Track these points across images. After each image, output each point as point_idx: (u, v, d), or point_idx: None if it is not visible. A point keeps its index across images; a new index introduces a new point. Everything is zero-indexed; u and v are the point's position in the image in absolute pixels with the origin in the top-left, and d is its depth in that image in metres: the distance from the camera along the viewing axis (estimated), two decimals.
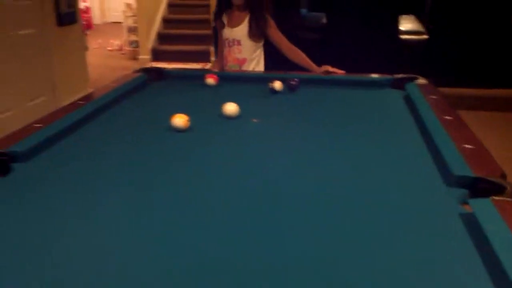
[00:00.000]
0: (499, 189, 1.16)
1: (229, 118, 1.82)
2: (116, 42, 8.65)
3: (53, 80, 4.68)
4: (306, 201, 1.20)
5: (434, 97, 1.98)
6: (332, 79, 2.40)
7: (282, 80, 2.21)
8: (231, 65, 2.73)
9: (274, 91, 2.18)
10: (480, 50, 4.71)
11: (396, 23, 4.83)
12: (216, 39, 2.88)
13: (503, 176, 1.24)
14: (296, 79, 2.24)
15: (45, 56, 4.55)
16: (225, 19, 2.70)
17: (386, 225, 1.08)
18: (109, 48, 8.68)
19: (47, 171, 1.39)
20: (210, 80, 2.29)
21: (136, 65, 7.00)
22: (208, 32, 7.16)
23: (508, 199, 1.12)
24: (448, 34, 4.73)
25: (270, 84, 2.18)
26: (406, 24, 5.06)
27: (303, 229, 1.06)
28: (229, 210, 1.15)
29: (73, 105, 1.93)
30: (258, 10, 2.60)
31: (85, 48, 5.63)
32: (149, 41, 7.62)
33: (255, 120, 1.83)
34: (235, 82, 2.35)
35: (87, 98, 2.05)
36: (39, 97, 4.45)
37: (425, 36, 4.84)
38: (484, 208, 1.08)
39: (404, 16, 5.19)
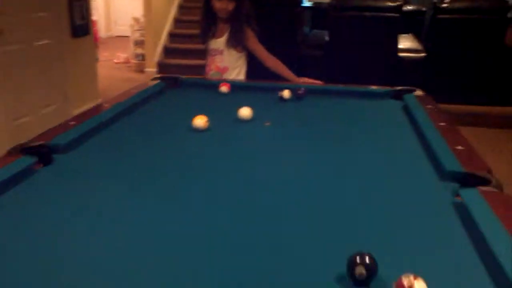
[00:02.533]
0: (485, 182, 1.34)
1: (244, 121, 2.00)
2: (122, 55, 8.85)
3: (65, 89, 4.86)
4: (307, 193, 1.38)
5: (430, 106, 2.17)
6: (336, 90, 2.58)
7: (290, 90, 2.39)
8: (212, 73, 2.95)
9: (283, 99, 2.36)
10: (475, 68, 4.93)
11: (396, 42, 5.04)
12: None
13: (489, 171, 1.41)
14: (302, 89, 2.43)
15: (59, 66, 4.73)
16: (212, 32, 2.93)
17: (388, 213, 1.26)
18: (115, 61, 8.88)
19: (83, 163, 1.57)
20: (224, 88, 2.47)
21: (142, 78, 7.19)
22: None
23: (493, 189, 1.30)
24: (445, 52, 4.95)
25: (280, 92, 2.36)
26: (405, 42, 5.28)
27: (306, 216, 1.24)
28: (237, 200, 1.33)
29: (99, 108, 2.11)
30: (237, 23, 2.83)
31: (96, 60, 5.83)
32: (155, 55, 7.83)
33: (267, 124, 2.01)
34: (247, 91, 2.53)
35: (110, 102, 2.22)
36: (51, 105, 4.62)
37: (423, 54, 5.05)
38: (473, 197, 1.25)
39: (403, 35, 5.42)
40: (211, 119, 1.89)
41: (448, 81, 4.92)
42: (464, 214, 1.19)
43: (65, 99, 4.86)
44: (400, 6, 4.88)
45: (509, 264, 0.93)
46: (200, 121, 1.85)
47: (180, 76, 2.71)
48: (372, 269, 0.92)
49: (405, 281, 0.86)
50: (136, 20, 8.44)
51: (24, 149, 1.53)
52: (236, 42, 2.85)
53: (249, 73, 3.00)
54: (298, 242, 1.10)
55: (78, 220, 1.19)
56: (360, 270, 0.92)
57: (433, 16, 5.01)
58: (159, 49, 7.94)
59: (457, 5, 4.85)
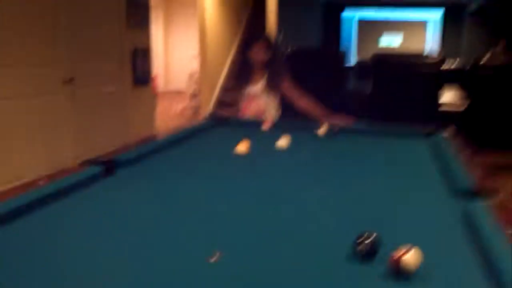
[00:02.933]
0: (490, 197, 1.50)
1: (282, 150, 2.23)
2: (179, 106, 9.42)
3: (127, 133, 5.28)
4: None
5: (455, 144, 2.34)
6: (371, 129, 2.78)
7: (326, 127, 2.62)
8: (251, 116, 3.18)
9: (319, 136, 2.58)
10: None
11: (436, 97, 5.19)
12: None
13: (495, 190, 1.58)
14: (338, 127, 2.65)
15: (121, 111, 5.18)
16: (249, 79, 3.17)
17: (403, 214, 1.46)
18: (172, 111, 9.44)
19: (138, 176, 1.84)
20: (265, 126, 2.73)
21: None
22: None
23: (495, 203, 1.46)
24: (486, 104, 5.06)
25: (315, 130, 2.60)
26: (448, 95, 5.42)
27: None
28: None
29: (156, 137, 2.42)
30: (274, 70, 3.12)
31: (154, 108, 6.30)
32: (209, 106, 8.30)
33: (305, 152, 2.24)
34: (286, 129, 2.76)
35: (166, 134, 2.53)
36: (113, 147, 5.03)
37: (464, 106, 5.17)
38: (477, 208, 1.41)
39: (447, 87, 5.55)
40: (253, 147, 2.14)
41: (490, 132, 5.00)
42: (467, 219, 1.36)
43: (126, 142, 5.27)
44: (439, 63, 5.08)
45: (495, 249, 1.10)
46: (242, 146, 2.10)
47: (229, 116, 3.01)
48: (371, 247, 1.11)
49: (397, 252, 1.04)
50: (191, 75, 9.02)
51: (94, 162, 1.83)
52: (274, 87, 3.13)
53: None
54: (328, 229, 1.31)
55: (135, 218, 1.44)
56: (361, 248, 1.11)
57: (472, 71, 5.16)
58: (213, 101, 8.42)
59: (495, 62, 5.01)
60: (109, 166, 1.83)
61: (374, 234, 1.13)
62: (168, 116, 9.03)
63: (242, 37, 9.68)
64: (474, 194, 1.55)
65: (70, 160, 4.24)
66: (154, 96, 6.45)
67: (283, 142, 2.24)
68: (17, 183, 3.66)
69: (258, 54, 3.08)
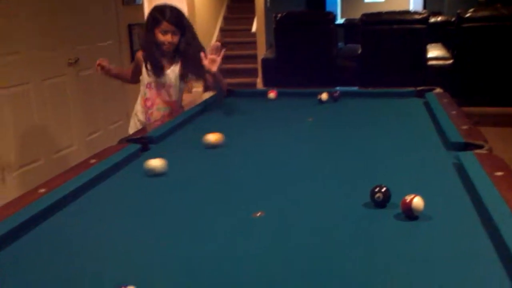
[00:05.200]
0: (479, 147, 1.77)
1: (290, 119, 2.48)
2: None
3: (127, 108, 5.47)
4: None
5: (445, 100, 2.59)
6: (368, 92, 3.03)
7: (327, 93, 2.86)
8: (160, 108, 2.76)
9: (321, 101, 2.82)
10: (499, 72, 5.26)
11: (423, 51, 5.43)
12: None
13: (485, 140, 1.84)
14: (338, 91, 2.89)
15: (121, 87, 5.36)
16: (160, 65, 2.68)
17: (404, 166, 1.73)
18: None
19: (169, 151, 2.08)
20: (272, 95, 2.95)
21: (190, 97, 7.80)
22: (255, 66, 7.94)
23: (484, 151, 1.73)
24: (470, 58, 5.31)
25: (319, 95, 2.83)
26: (434, 51, 5.66)
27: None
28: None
29: (175, 113, 2.66)
30: (188, 55, 2.62)
31: None
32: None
33: (310, 119, 2.49)
34: (291, 96, 3.00)
35: (187, 106, 2.78)
36: (117, 122, 5.24)
37: (450, 61, 5.42)
38: (468, 157, 1.68)
39: (432, 45, 5.81)
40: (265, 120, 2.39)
41: (474, 85, 5.27)
42: (459, 168, 1.63)
43: (128, 117, 5.47)
44: (426, 18, 5.29)
45: (483, 190, 1.37)
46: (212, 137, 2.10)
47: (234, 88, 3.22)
48: (386, 195, 1.38)
49: (407, 197, 1.31)
50: None
51: (130, 140, 2.07)
52: (195, 74, 2.77)
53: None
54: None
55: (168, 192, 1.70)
56: (378, 195, 1.38)
57: (458, 25, 5.37)
58: None
59: (479, 14, 5.22)
60: (143, 143, 2.07)
61: (384, 187, 1.39)
62: None
63: (227, 7, 9.76)
64: (465, 145, 1.82)
65: (79, 138, 4.46)
66: None
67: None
68: (35, 164, 3.89)
69: (167, 36, 2.58)
